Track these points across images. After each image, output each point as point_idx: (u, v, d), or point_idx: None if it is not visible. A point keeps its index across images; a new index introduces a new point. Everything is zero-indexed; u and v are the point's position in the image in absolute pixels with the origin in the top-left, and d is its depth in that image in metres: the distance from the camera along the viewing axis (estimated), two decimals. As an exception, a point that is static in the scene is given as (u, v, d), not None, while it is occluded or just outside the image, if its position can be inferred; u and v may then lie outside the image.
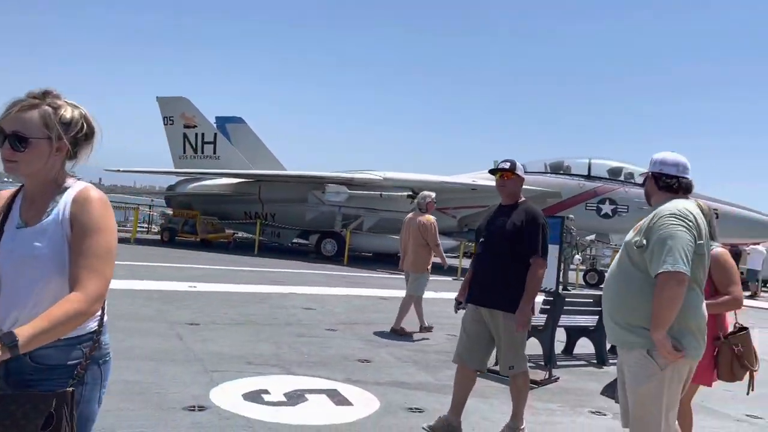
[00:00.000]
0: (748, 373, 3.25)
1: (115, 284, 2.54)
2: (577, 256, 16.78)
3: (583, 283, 17.71)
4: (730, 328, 3.32)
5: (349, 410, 4.54)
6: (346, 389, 5.05)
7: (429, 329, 7.86)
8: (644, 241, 2.76)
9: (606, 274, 3.31)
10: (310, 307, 9.07)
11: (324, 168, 19.58)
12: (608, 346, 7.39)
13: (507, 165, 4.25)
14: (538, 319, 6.75)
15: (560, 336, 7.31)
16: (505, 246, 4.09)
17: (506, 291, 4.05)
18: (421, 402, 4.93)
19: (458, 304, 4.48)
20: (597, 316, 7.23)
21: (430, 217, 7.47)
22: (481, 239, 4.28)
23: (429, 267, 7.66)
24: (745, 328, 3.28)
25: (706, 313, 2.82)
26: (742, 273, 21.73)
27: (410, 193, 17.28)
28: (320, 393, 4.87)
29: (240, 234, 23.08)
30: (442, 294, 11.22)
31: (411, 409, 4.73)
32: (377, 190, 17.63)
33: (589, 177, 18.09)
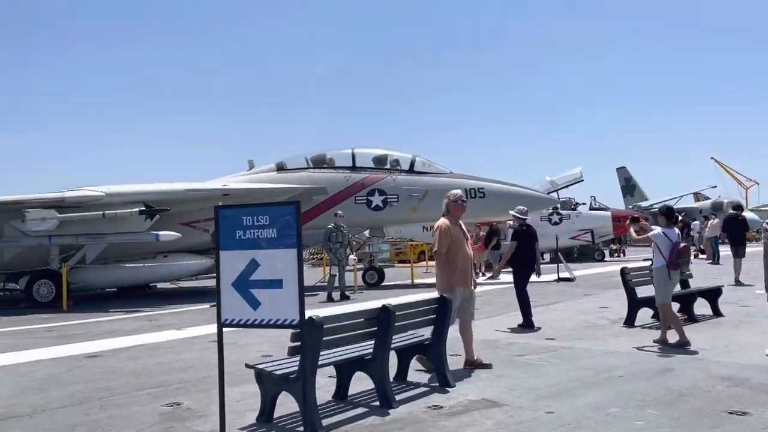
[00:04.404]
0: None
1: None
2: (352, 256, 14.94)
3: (363, 284, 16.01)
4: None
5: None
6: None
7: None
8: None
9: None
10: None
11: (31, 191, 15.35)
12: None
13: None
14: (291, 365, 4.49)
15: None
16: None
17: None
18: None
19: None
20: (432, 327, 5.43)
21: None
22: None
23: None
24: None
25: None
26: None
27: (143, 208, 13.85)
28: None
29: None
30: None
31: None
32: (99, 210, 13.79)
33: (354, 168, 16.59)
